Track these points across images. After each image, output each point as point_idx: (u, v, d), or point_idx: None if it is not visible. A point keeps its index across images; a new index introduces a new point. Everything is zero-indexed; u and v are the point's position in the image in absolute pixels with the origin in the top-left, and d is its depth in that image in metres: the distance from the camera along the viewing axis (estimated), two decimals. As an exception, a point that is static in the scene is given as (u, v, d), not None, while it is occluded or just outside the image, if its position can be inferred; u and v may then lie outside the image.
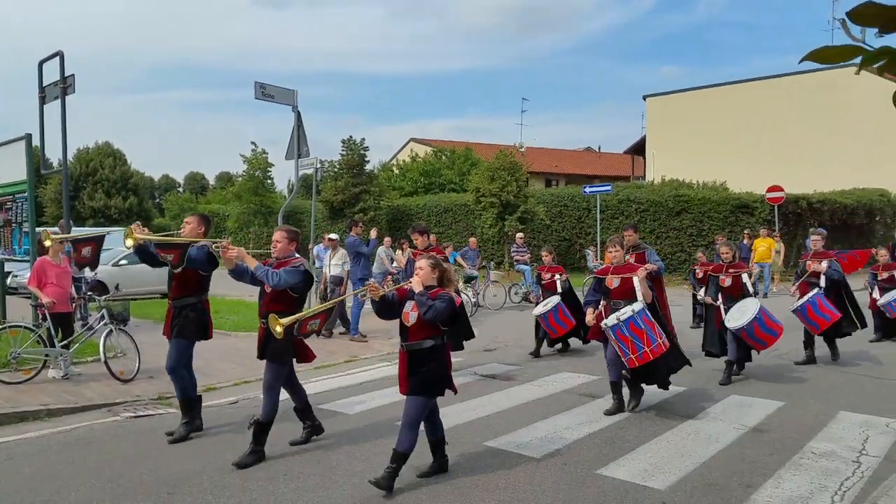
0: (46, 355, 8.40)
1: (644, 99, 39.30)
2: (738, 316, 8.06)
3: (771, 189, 21.62)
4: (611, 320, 6.60)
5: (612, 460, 5.53)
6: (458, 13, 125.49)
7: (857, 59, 1.73)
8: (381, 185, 30.29)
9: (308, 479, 5.13)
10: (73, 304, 9.85)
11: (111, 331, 8.57)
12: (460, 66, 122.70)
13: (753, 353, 8.67)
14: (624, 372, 6.86)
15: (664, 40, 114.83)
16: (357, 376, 8.98)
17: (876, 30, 1.69)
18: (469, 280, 15.88)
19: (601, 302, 7.14)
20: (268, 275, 5.57)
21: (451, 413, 7.00)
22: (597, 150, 55.49)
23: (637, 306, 6.62)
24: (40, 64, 10.01)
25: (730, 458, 5.55)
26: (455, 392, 5.23)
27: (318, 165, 15.20)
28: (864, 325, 9.67)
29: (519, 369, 9.34)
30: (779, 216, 21.47)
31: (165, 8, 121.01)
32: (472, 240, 16.90)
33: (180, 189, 63.09)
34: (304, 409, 6.09)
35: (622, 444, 5.94)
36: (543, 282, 10.53)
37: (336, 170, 29.52)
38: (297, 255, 5.86)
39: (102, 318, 8.65)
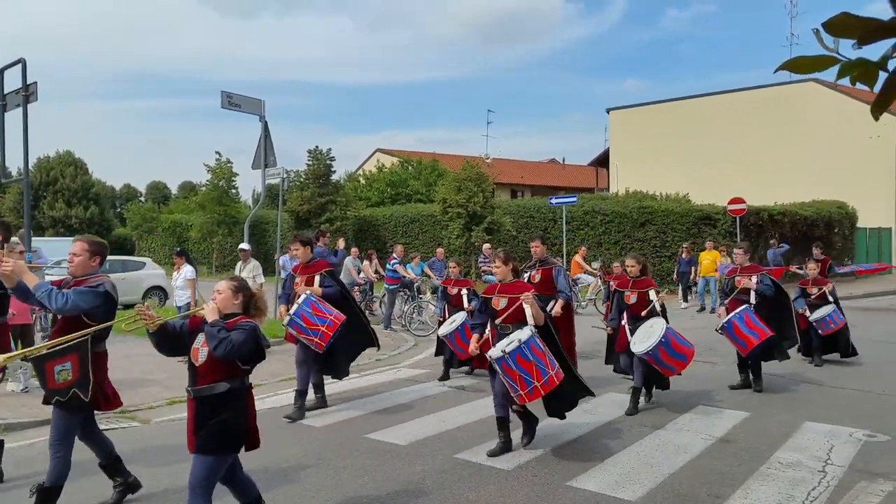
0: (5, 368, 8.16)
1: (608, 112, 39.85)
2: (644, 338, 7.25)
3: (732, 201, 22.00)
4: (496, 352, 5.71)
5: (582, 472, 5.53)
6: (426, 25, 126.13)
7: (829, 70, 1.77)
8: (347, 196, 30.15)
9: (275, 494, 5.04)
10: (34, 316, 9.61)
11: (72, 343, 8.36)
12: (427, 78, 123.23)
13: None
14: (514, 407, 6.01)
15: (629, 54, 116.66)
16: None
17: (849, 40, 1.72)
18: (437, 291, 15.83)
19: (488, 326, 6.30)
20: (50, 295, 4.37)
21: (420, 425, 6.97)
22: (561, 161, 56.07)
23: (524, 334, 5.70)
24: (1, 71, 9.79)
25: (698, 469, 5.60)
26: (258, 447, 4.24)
27: (285, 175, 15.09)
28: (795, 342, 9.02)
29: (488, 380, 9.30)
30: (740, 228, 21.85)
31: (129, 17, 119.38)
32: (440, 250, 16.88)
33: (142, 199, 62.04)
34: (111, 464, 5.00)
35: (591, 456, 5.95)
36: (450, 296, 9.72)
37: (302, 180, 29.32)
38: (99, 273, 4.73)
39: (63, 330, 8.44)
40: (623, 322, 7.68)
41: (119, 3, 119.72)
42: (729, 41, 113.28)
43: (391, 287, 15.07)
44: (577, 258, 18.76)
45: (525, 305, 5.83)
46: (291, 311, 7.19)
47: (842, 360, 10.39)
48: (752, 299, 8.37)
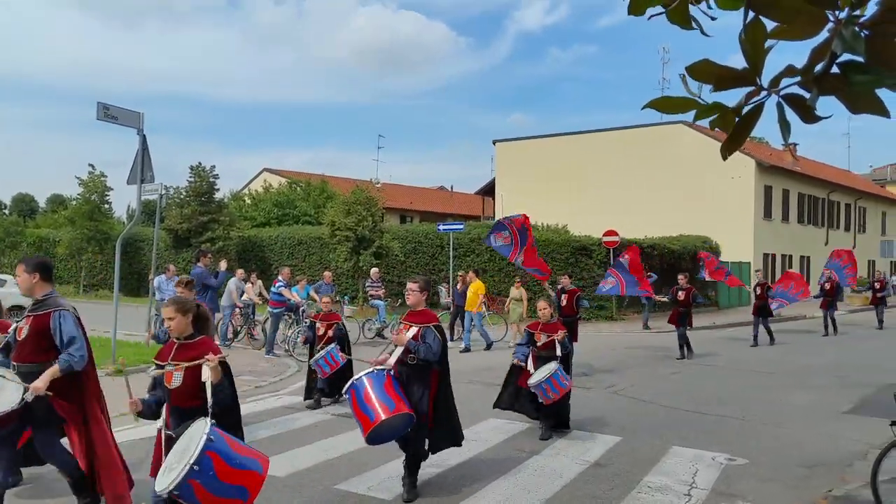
0: None
1: (494, 143, 40.92)
2: (179, 457, 3.86)
3: (607, 233, 23.04)
4: None
5: (462, 499, 5.56)
6: (317, 47, 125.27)
7: (692, 112, 1.90)
8: (231, 215, 29.27)
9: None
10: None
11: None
12: (318, 99, 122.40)
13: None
14: None
15: (515, 89, 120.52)
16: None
17: (711, 86, 1.86)
18: (321, 315, 15.59)
19: None
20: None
21: (300, 456, 6.79)
22: (450, 189, 56.93)
23: None
24: None
25: (574, 494, 5.74)
26: None
27: (163, 192, 14.49)
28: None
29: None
30: (614, 259, 22.85)
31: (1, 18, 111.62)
32: (327, 274, 16.65)
33: (6, 211, 57.74)
34: None
35: (471, 483, 5.99)
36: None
37: (182, 196, 28.24)
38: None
39: None
40: (159, 425, 4.30)
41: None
42: (608, 81, 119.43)
43: (275, 310, 14.67)
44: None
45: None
46: None
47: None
48: (392, 357, 5.85)
